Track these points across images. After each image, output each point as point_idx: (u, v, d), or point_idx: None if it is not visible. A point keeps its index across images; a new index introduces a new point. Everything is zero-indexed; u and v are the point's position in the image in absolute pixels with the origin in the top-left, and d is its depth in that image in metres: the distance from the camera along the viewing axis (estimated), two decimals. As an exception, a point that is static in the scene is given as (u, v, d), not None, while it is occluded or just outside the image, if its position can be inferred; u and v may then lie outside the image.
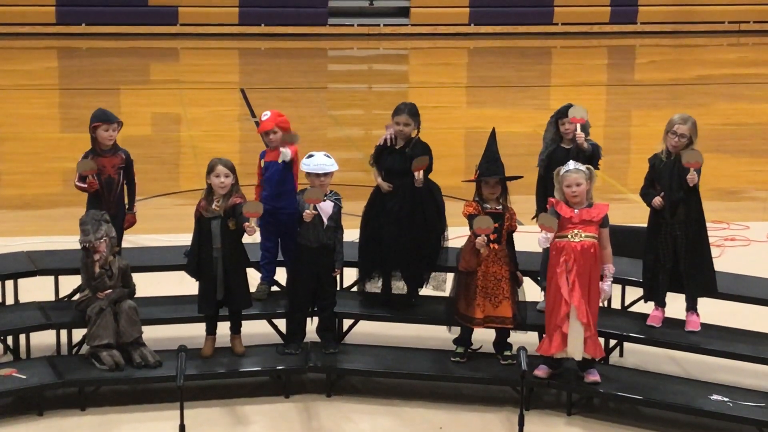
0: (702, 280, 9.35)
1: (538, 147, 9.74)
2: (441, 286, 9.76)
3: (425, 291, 9.83)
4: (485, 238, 8.88)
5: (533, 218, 9.61)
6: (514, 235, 9.18)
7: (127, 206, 9.68)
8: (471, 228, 8.94)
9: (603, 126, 18.03)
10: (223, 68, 23.11)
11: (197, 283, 9.24)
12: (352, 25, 25.62)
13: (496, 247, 9.02)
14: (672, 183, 9.21)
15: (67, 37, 24.43)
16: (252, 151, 10.04)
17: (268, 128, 9.64)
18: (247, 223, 8.85)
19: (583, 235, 8.77)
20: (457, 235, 9.76)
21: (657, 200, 9.26)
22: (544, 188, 9.39)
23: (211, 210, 9.09)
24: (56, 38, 24.40)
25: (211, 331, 9.32)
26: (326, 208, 9.20)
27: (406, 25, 25.75)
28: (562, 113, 9.52)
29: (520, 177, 9.14)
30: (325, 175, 9.20)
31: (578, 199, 8.82)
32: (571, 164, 8.87)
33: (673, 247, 9.31)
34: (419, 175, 9.34)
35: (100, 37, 24.46)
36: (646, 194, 9.36)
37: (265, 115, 9.70)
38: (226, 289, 9.15)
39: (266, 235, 9.76)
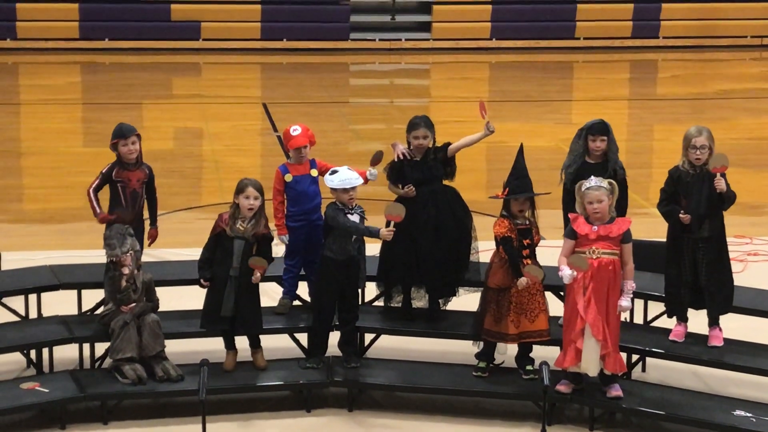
0: (722, 298, 9.31)
1: (560, 162, 9.71)
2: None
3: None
4: (525, 282, 8.90)
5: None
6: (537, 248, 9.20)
7: (149, 221, 9.72)
8: (497, 245, 8.92)
9: (625, 140, 17.99)
10: (245, 83, 23.15)
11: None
12: (374, 40, 25.62)
13: (529, 262, 9.02)
14: (701, 198, 9.15)
15: (90, 52, 24.50)
16: (274, 165, 10.03)
17: (301, 144, 9.63)
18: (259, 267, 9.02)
19: (599, 252, 8.74)
20: (483, 249, 9.74)
21: (685, 216, 9.15)
22: (572, 201, 9.31)
23: (236, 229, 9.10)
24: (80, 53, 24.47)
25: (230, 346, 9.33)
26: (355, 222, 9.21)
27: (428, 39, 25.74)
28: (595, 130, 9.44)
29: (548, 193, 9.17)
30: (353, 188, 9.22)
31: (599, 215, 8.79)
32: (593, 180, 8.84)
33: (693, 262, 9.27)
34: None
35: (123, 52, 24.53)
36: (669, 211, 9.27)
37: (295, 130, 9.68)
38: (237, 311, 9.14)
39: (291, 249, 9.76)
